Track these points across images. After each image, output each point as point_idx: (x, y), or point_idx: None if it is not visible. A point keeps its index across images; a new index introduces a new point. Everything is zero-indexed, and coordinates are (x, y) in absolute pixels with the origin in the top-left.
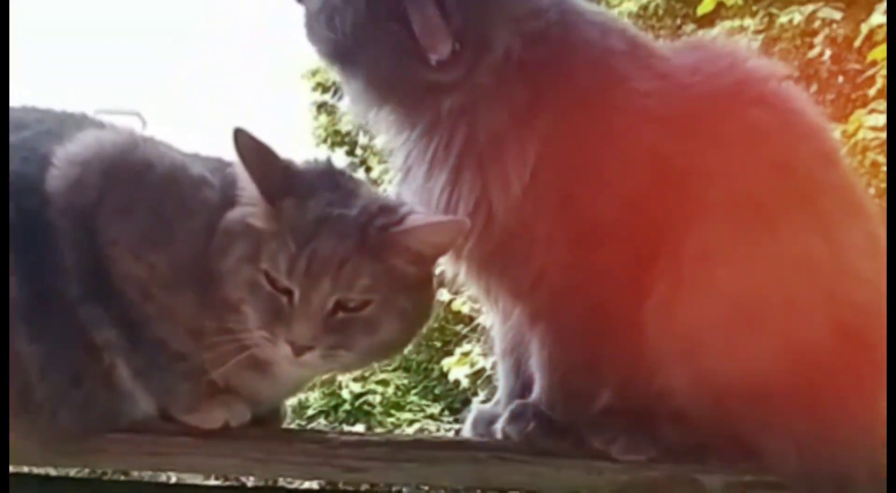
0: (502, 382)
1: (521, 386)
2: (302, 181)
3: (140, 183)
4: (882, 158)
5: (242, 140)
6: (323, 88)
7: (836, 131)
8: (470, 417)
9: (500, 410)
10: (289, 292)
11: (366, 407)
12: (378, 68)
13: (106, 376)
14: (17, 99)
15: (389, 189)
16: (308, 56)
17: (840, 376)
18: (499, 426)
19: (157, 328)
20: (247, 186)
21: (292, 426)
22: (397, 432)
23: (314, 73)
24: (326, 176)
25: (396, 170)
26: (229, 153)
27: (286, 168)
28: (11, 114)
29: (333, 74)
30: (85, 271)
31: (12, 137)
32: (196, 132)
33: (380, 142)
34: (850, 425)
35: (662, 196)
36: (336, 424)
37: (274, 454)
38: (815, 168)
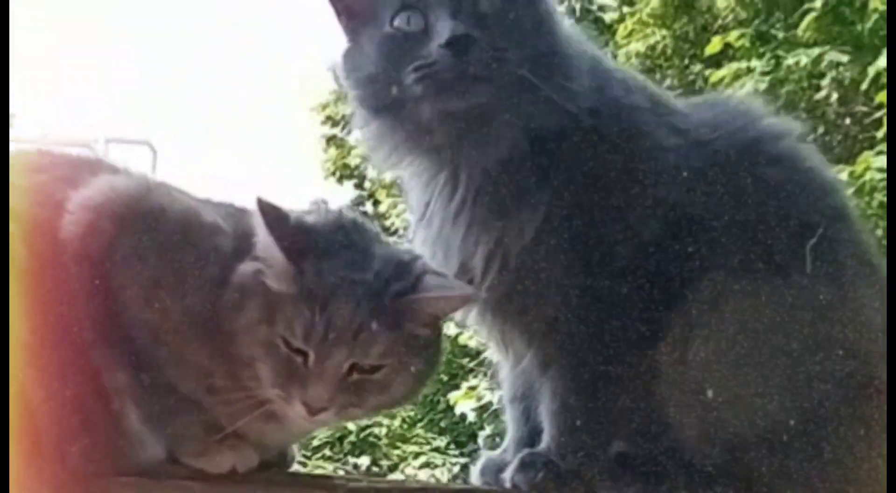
0: (511, 429)
1: (530, 433)
2: (318, 240)
3: (152, 228)
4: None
5: (265, 206)
6: (332, 121)
7: (844, 173)
8: (478, 464)
9: (509, 458)
10: (304, 353)
11: (371, 439)
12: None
13: (116, 419)
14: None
15: (403, 227)
16: (317, 89)
17: (852, 429)
18: (507, 475)
19: (168, 373)
20: (270, 249)
21: (297, 457)
22: (403, 465)
23: (324, 106)
24: (339, 231)
25: (416, 212)
26: (239, 188)
27: (304, 229)
28: (27, 157)
29: (345, 109)
30: (97, 315)
31: (28, 181)
32: (207, 163)
33: (389, 176)
34: (861, 479)
35: (677, 245)
36: (341, 455)
37: None
38: (829, 224)
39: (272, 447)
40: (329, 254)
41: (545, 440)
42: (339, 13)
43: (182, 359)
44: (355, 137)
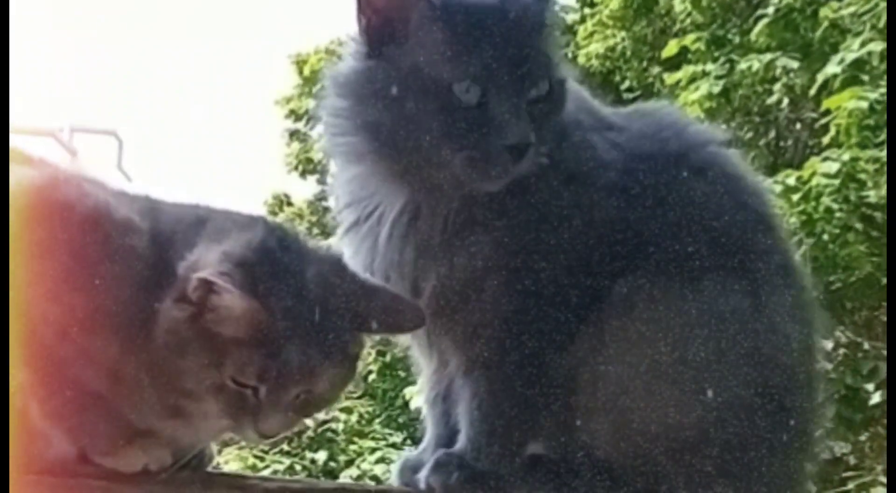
0: (430, 429)
1: (449, 434)
2: (274, 278)
3: (58, 224)
4: (835, 205)
5: (236, 275)
6: (296, 115)
7: (792, 177)
8: (397, 464)
9: (426, 458)
10: (255, 388)
11: (329, 434)
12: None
13: (18, 417)
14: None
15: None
16: (281, 82)
17: (759, 437)
18: (422, 475)
19: (74, 369)
20: (225, 298)
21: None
22: (359, 460)
23: (287, 100)
24: (282, 256)
25: (360, 225)
26: (203, 180)
27: (270, 271)
28: None
29: (309, 104)
30: None
31: None
32: (172, 154)
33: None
34: (765, 486)
35: (603, 256)
36: (299, 451)
37: None
38: (749, 233)
39: (185, 446)
40: (279, 289)
41: (461, 441)
42: (366, 20)
43: (90, 356)
44: (318, 132)
